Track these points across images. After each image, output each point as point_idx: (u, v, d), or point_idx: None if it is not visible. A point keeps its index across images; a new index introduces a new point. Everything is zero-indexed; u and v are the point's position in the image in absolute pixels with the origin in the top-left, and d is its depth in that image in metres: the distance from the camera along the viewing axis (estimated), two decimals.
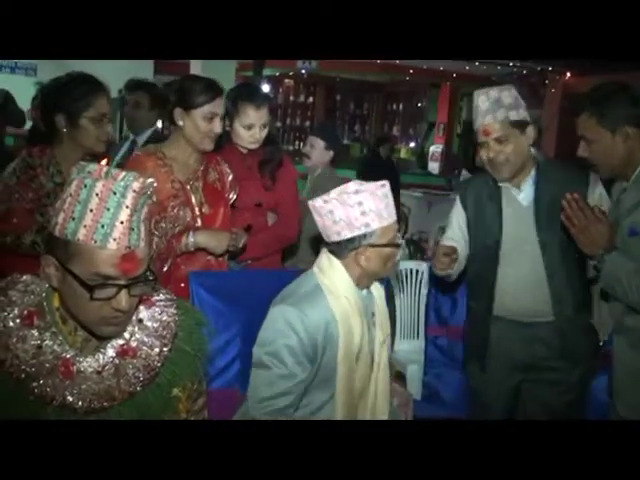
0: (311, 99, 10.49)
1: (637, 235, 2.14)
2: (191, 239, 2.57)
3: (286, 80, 10.24)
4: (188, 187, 2.65)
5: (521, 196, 2.56)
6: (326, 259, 2.10)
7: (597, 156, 2.24)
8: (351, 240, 2.02)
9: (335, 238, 2.04)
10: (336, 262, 2.07)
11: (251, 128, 2.93)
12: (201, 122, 2.59)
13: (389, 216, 2.04)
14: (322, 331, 2.01)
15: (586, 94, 2.26)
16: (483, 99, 2.48)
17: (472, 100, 2.58)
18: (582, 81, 8.03)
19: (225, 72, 5.86)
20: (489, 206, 2.59)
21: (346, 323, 2.04)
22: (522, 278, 2.51)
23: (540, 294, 2.50)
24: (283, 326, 2.00)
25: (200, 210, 2.66)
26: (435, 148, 10.69)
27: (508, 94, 2.47)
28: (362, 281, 2.10)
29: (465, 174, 7.79)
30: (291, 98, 10.46)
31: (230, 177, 2.78)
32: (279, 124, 10.26)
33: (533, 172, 2.55)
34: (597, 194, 2.46)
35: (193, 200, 2.65)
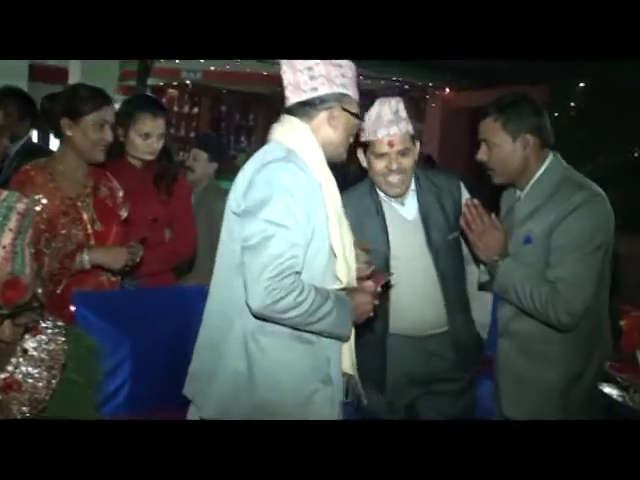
0: (196, 110, 10.32)
1: (531, 243, 2.23)
2: (86, 256, 2.46)
3: (170, 90, 10.03)
4: (79, 204, 2.54)
5: (404, 211, 2.55)
6: (288, 123, 2.04)
7: (496, 161, 2.30)
8: (328, 97, 2.00)
9: (309, 95, 2.00)
10: (301, 124, 2.02)
11: (148, 137, 2.88)
12: (91, 130, 2.50)
13: (357, 95, 2.07)
14: (313, 191, 1.93)
15: (493, 101, 2.33)
16: (386, 109, 2.45)
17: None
18: (461, 96, 8.36)
19: (107, 80, 5.68)
20: (372, 221, 2.54)
21: (328, 186, 1.99)
22: (417, 292, 2.52)
23: (435, 305, 2.53)
24: (279, 183, 1.87)
25: (92, 227, 2.55)
26: None
27: (403, 107, 2.49)
28: None
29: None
30: (175, 108, 10.24)
31: (121, 193, 2.69)
32: None
33: (413, 185, 2.56)
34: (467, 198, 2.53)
35: (85, 217, 2.54)
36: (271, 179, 1.89)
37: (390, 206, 2.56)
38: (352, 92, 2.05)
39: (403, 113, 2.47)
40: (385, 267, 2.48)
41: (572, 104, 4.53)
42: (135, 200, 2.77)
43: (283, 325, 1.92)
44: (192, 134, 9.96)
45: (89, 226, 2.54)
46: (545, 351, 2.26)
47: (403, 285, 2.49)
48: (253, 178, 1.94)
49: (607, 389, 1.81)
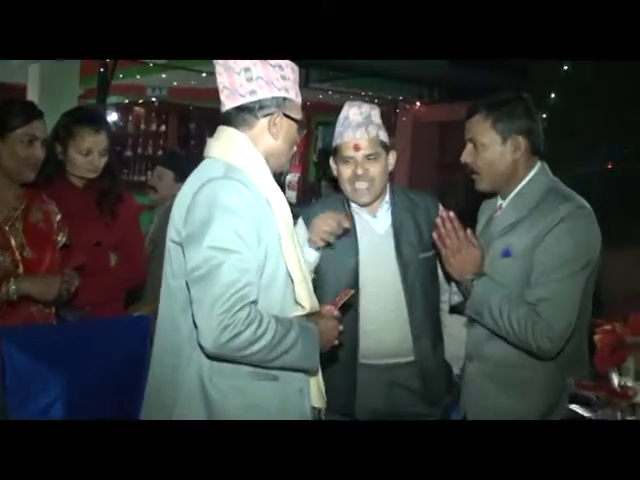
0: (163, 127, 10.12)
1: (510, 256, 2.04)
2: (13, 286, 2.24)
3: (136, 108, 9.82)
4: (7, 228, 2.32)
5: (376, 223, 2.40)
6: (226, 136, 1.82)
7: (482, 163, 2.11)
8: (268, 102, 1.79)
9: (247, 99, 1.79)
10: (239, 135, 1.80)
11: (89, 154, 2.66)
12: (19, 147, 2.29)
13: (299, 97, 1.88)
14: (261, 209, 1.73)
15: (482, 99, 2.15)
16: (355, 111, 2.32)
17: (339, 113, 2.39)
18: (431, 110, 8.26)
19: (66, 98, 5.44)
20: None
21: (277, 202, 1.79)
22: (384, 313, 2.33)
23: (402, 330, 2.34)
24: (222, 203, 1.66)
25: (21, 254, 2.33)
26: (292, 177, 10.61)
27: (377, 113, 2.37)
28: None
29: None
30: (142, 126, 10.02)
31: (58, 217, 2.47)
32: (129, 153, 9.81)
33: (387, 198, 2.42)
34: None
35: (13, 242, 2.32)
36: (212, 199, 1.68)
37: (361, 218, 2.41)
38: (294, 95, 1.86)
39: (376, 119, 2.34)
40: (354, 282, 2.31)
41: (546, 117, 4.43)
42: (76, 223, 2.55)
43: (243, 363, 1.70)
44: (160, 152, 9.77)
45: (17, 252, 2.32)
46: (521, 378, 2.06)
47: (369, 304, 2.32)
48: (192, 201, 1.72)
49: (577, 409, 1.63)
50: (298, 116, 1.88)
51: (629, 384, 1.58)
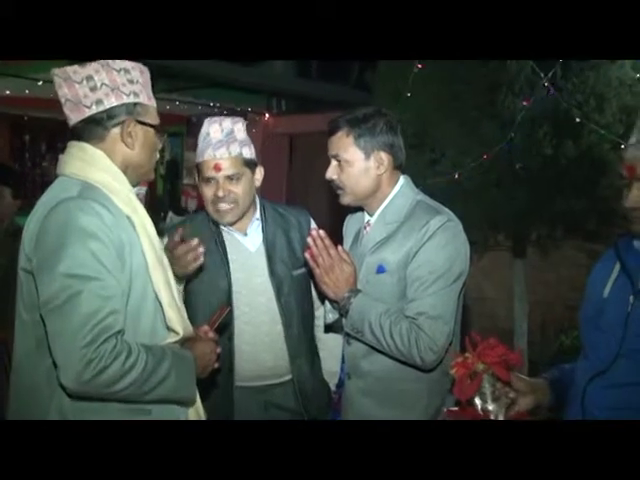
0: None
1: (385, 272, 2.04)
2: None
3: None
4: None
5: (247, 241, 2.33)
6: (78, 151, 1.67)
7: (346, 179, 2.09)
8: (117, 110, 1.66)
9: (93, 110, 1.65)
10: (93, 150, 1.67)
11: None
12: None
13: (153, 100, 1.76)
14: (123, 228, 1.60)
15: (343, 114, 2.12)
16: (216, 129, 2.21)
17: (199, 129, 2.29)
18: (281, 121, 8.28)
19: None
20: (211, 253, 2.26)
21: (140, 221, 1.66)
22: (259, 333, 2.27)
23: (279, 350, 2.29)
24: (78, 226, 1.52)
25: None
26: (138, 190, 10.24)
27: (241, 128, 2.26)
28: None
29: (172, 216, 7.52)
30: None
31: None
32: None
33: (257, 214, 2.35)
34: None
35: None
36: (66, 222, 1.53)
37: (231, 236, 2.32)
38: (145, 99, 1.74)
39: (240, 134, 2.23)
40: (227, 303, 2.21)
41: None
42: None
43: (111, 400, 1.56)
44: None
45: None
46: (402, 391, 2.06)
47: (243, 324, 2.25)
48: (43, 224, 1.56)
49: None
50: (153, 120, 1.76)
51: (489, 407, 1.64)
